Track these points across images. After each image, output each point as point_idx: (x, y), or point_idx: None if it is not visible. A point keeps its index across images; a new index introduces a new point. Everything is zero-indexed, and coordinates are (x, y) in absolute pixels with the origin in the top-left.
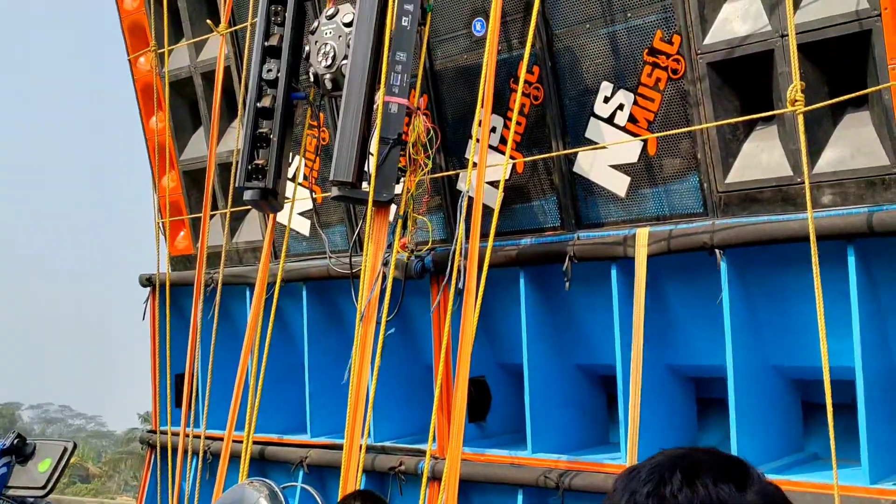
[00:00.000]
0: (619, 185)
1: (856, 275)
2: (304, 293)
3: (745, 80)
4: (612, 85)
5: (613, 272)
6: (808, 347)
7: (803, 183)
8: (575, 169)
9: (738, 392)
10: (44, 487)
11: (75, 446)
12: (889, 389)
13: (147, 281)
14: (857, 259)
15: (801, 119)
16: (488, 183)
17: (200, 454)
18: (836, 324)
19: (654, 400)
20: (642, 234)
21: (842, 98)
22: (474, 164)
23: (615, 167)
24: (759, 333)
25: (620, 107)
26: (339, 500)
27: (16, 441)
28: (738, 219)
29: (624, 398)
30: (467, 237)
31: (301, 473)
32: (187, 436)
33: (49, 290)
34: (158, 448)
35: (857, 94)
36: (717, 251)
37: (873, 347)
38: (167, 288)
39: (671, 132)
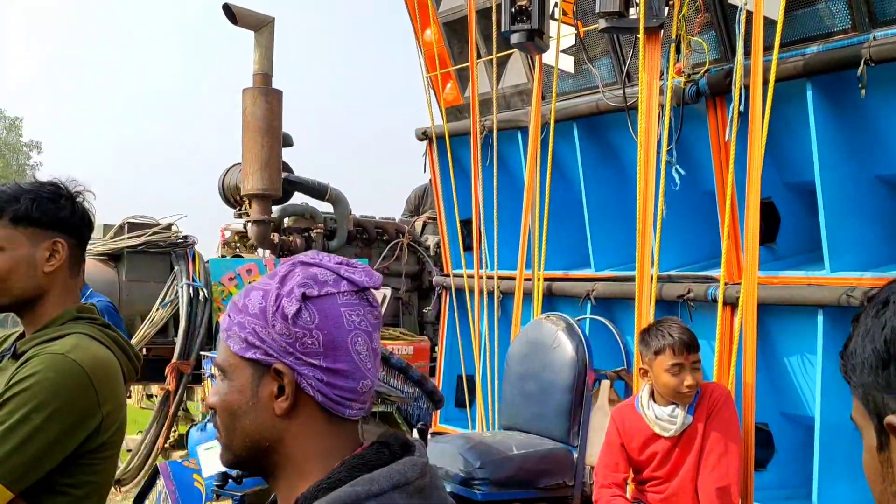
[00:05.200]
0: None
1: None
2: (576, 131)
3: None
4: None
5: None
6: None
7: None
8: None
9: None
10: None
11: (393, 290)
12: None
13: (423, 135)
14: None
15: None
16: None
17: (496, 293)
18: None
19: None
20: None
21: None
22: None
23: None
24: None
25: None
26: (644, 328)
27: None
28: None
29: None
30: (746, 53)
31: (589, 306)
32: (481, 277)
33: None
34: (453, 290)
35: None
36: None
37: None
38: (446, 139)
39: None
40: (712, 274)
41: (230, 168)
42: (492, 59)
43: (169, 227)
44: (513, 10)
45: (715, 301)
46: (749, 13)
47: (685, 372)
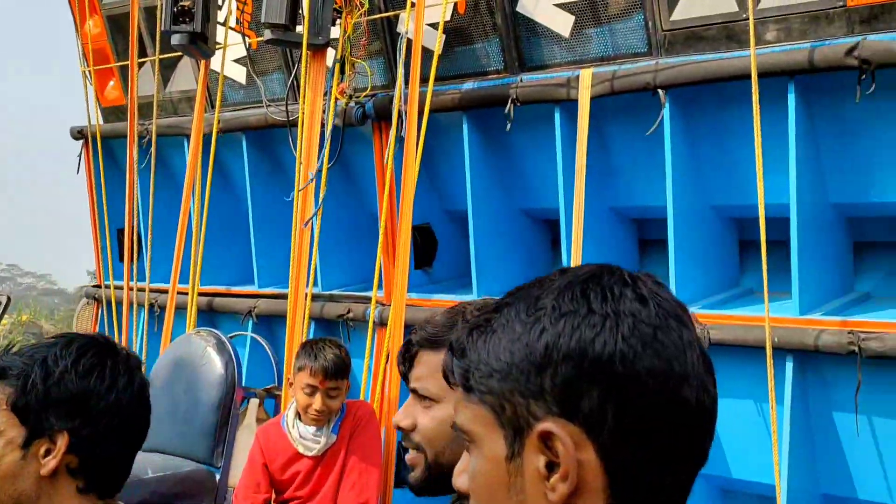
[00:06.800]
0: (563, 24)
1: (795, 111)
2: (244, 143)
3: None
4: None
5: (557, 115)
6: (748, 186)
7: (748, 19)
8: (518, 8)
9: (677, 231)
10: None
11: (9, 300)
12: (821, 226)
13: (79, 134)
14: (798, 95)
15: None
16: (428, 25)
17: (146, 307)
18: (775, 161)
19: (597, 241)
20: (586, 75)
21: None
22: (412, 5)
23: (559, 6)
24: (701, 173)
25: None
26: (306, 341)
27: None
28: (683, 57)
29: (567, 240)
30: (407, 82)
31: (250, 323)
32: (132, 289)
33: None
34: (104, 302)
35: None
36: (660, 91)
37: (809, 184)
38: (98, 140)
39: None
40: (372, 295)
41: None
42: (156, 60)
43: None
44: (174, 9)
45: None
46: (410, 42)
47: (317, 396)
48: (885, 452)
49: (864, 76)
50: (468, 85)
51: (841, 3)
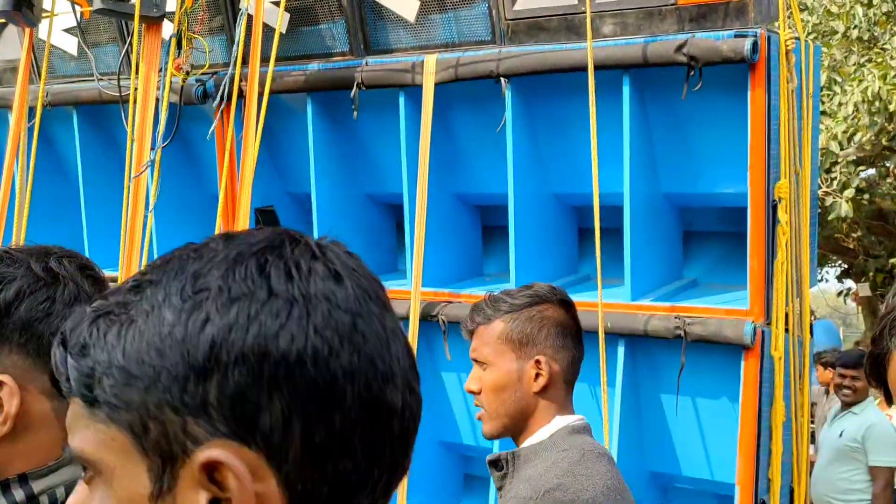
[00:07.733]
0: (408, 9)
1: (630, 104)
2: (76, 118)
3: None
4: None
5: (401, 100)
6: (586, 175)
7: (586, 12)
8: None
9: (518, 219)
10: None
11: None
12: (653, 214)
13: None
14: (632, 88)
15: None
16: (272, 2)
17: None
18: (611, 152)
19: (441, 228)
20: (430, 61)
21: None
22: None
23: None
24: (541, 161)
25: None
26: None
27: None
28: (524, 47)
29: (410, 226)
30: (247, 60)
31: None
32: None
33: None
34: None
35: None
36: (502, 79)
37: (642, 174)
38: None
39: None
40: None
41: None
42: None
43: None
44: None
45: None
46: (251, 18)
47: None
48: (707, 431)
49: (692, 72)
50: (313, 66)
51: (672, 2)
